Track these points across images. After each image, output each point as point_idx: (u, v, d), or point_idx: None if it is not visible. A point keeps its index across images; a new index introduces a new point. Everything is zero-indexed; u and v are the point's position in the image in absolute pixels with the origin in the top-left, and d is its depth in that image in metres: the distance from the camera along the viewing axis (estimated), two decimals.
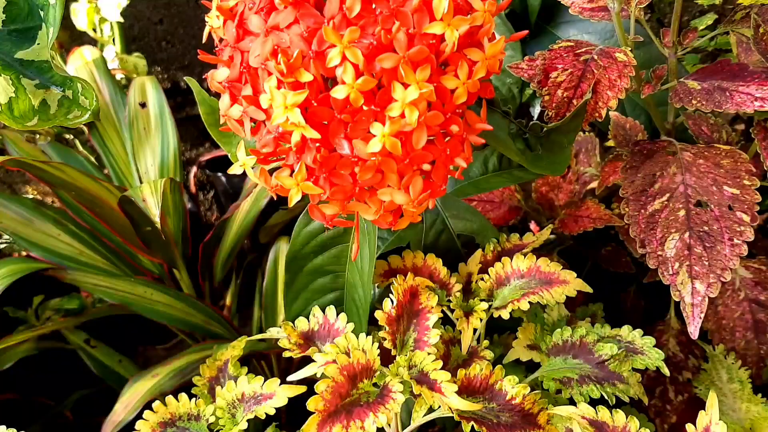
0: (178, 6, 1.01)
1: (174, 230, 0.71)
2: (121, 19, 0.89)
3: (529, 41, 0.77)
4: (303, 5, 0.39)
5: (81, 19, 0.95)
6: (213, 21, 0.43)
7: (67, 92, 0.48)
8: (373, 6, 0.39)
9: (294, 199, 0.42)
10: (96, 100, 0.47)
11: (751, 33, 0.54)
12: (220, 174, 1.08)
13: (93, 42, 0.96)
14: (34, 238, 0.79)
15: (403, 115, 0.39)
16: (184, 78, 1.10)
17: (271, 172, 0.43)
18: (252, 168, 0.43)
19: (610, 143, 0.71)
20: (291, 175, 0.42)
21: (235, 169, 0.43)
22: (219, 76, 0.42)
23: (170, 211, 0.71)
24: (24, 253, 0.88)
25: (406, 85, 0.39)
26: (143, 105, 0.84)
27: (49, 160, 0.73)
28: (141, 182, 0.83)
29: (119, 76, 0.95)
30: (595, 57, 0.55)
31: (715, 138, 0.59)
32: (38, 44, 0.49)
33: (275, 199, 0.43)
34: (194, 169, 1.11)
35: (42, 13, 0.48)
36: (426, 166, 0.41)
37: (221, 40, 0.44)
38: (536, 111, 0.73)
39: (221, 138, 0.58)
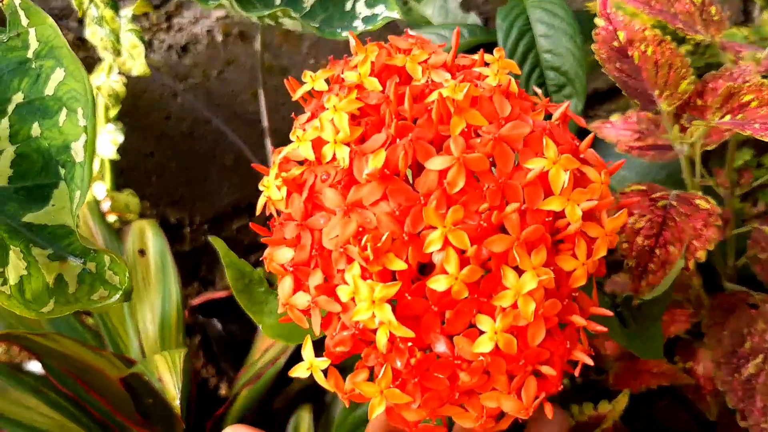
0: (171, 139, 0.96)
1: (181, 402, 0.62)
2: (117, 157, 0.82)
3: None
4: (392, 179, 0.32)
5: None
6: (272, 192, 0.36)
7: (89, 265, 0.39)
8: (476, 179, 0.33)
9: (376, 410, 0.33)
10: (128, 277, 0.38)
11: None
12: (215, 320, 0.99)
13: None
14: (7, 411, 0.68)
15: (515, 306, 0.32)
16: (176, 215, 1.04)
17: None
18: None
19: None
20: (371, 378, 0.34)
21: (298, 372, 0.35)
22: (281, 257, 0.35)
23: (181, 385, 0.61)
24: None
25: (519, 271, 0.32)
26: (142, 253, 0.76)
27: (45, 333, 0.63)
28: (140, 341, 0.73)
29: (111, 218, 0.87)
30: (674, 203, 0.50)
31: None
32: (52, 205, 0.40)
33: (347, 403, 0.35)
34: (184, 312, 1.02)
35: (63, 170, 0.40)
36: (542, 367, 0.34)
37: (278, 213, 0.37)
38: None
39: (251, 307, 0.49)
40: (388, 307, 0.31)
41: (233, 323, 0.96)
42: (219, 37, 0.89)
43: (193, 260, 1.02)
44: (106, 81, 0.74)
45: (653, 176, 0.74)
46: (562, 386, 0.35)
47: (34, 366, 0.80)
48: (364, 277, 0.32)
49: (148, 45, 0.87)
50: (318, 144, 0.35)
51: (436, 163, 0.32)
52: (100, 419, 0.72)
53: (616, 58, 0.56)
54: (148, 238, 0.77)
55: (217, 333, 0.98)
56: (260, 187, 0.37)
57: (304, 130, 0.36)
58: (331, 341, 0.34)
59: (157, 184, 0.97)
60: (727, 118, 0.50)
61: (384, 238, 0.31)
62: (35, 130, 0.41)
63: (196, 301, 1.05)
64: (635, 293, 0.47)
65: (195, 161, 0.96)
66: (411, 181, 0.34)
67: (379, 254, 0.32)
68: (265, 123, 0.82)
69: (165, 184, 0.97)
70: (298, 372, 0.34)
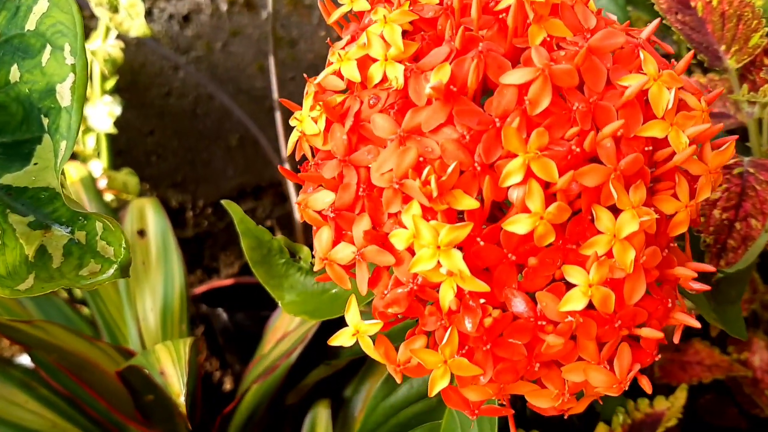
0: (172, 116, 0.90)
1: (186, 399, 0.56)
2: (114, 130, 0.77)
3: None
4: (459, 99, 0.27)
5: None
6: (306, 125, 0.30)
7: (78, 234, 0.33)
8: (562, 98, 0.27)
9: (438, 384, 0.27)
10: (125, 248, 0.32)
11: None
12: (220, 310, 0.93)
13: (73, 156, 0.83)
14: None
15: (610, 255, 0.26)
16: (180, 196, 0.98)
17: None
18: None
19: None
20: (429, 345, 0.28)
21: (341, 339, 0.29)
22: (319, 202, 0.29)
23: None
24: None
25: (613, 211, 0.26)
26: (142, 233, 0.70)
27: (31, 320, 0.57)
28: (139, 331, 0.67)
29: (108, 197, 0.82)
30: (750, 170, 0.44)
31: None
32: (35, 164, 0.35)
33: (399, 382, 0.29)
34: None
35: (46, 120, 0.34)
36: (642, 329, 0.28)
37: (315, 152, 0.31)
38: None
39: (269, 281, 0.44)
40: (457, 254, 0.25)
41: (239, 313, 0.90)
42: (224, 6, 0.83)
43: (195, 247, 0.96)
44: (102, 46, 0.68)
45: None
46: (657, 356, 0.29)
47: (23, 359, 0.74)
48: (425, 219, 0.26)
49: (148, 14, 0.81)
50: (364, 64, 0.29)
51: (514, 77, 0.26)
52: (96, 417, 0.66)
53: (677, 8, 0.50)
54: (149, 217, 0.71)
55: (222, 323, 0.92)
56: (291, 123, 0.31)
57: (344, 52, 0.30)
58: (381, 301, 0.28)
59: (158, 165, 0.91)
60: None
61: (450, 169, 0.26)
62: (14, 74, 0.36)
63: (199, 290, 0.99)
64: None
65: (198, 141, 0.91)
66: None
67: (444, 190, 0.26)
68: (276, 95, 0.76)
69: (166, 165, 0.91)
70: (341, 339, 0.28)
